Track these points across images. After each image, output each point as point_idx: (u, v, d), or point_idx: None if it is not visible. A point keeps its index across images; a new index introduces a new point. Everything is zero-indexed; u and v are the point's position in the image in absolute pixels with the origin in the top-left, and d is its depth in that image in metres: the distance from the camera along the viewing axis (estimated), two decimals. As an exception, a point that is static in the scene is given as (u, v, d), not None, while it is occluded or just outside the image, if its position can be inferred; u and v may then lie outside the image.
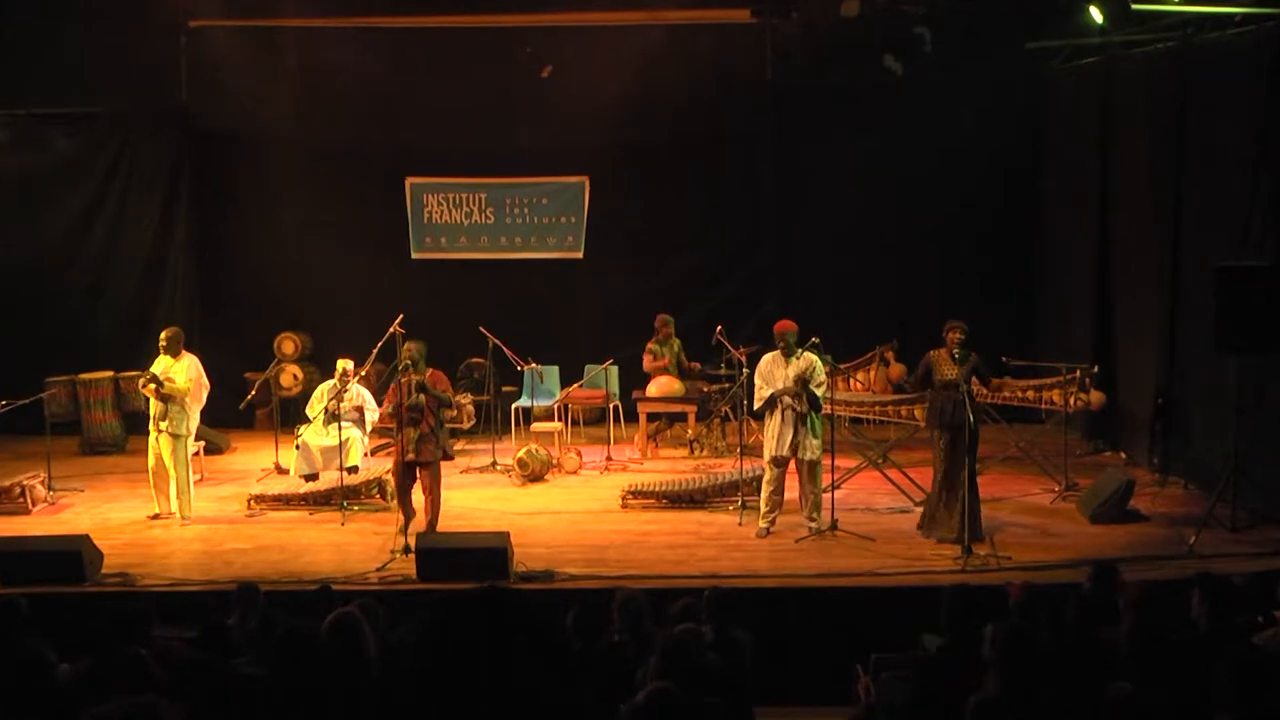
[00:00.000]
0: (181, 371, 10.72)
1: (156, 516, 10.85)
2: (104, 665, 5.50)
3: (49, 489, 11.52)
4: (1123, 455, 12.53)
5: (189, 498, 10.84)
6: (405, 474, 10.17)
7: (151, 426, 10.80)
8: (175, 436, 10.68)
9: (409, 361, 10.13)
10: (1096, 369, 11.61)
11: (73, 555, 9.01)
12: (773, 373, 9.98)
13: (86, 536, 9.40)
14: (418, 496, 10.29)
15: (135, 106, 14.56)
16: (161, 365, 10.78)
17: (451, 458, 11.81)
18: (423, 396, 10.02)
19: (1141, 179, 12.08)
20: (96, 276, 14.69)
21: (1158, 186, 11.70)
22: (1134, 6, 11.08)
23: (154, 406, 10.75)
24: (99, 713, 4.53)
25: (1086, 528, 10.14)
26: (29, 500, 11.25)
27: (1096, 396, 11.71)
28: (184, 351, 10.85)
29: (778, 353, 10.02)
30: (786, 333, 10.00)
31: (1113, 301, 12.79)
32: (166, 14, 14.08)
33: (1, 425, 11.28)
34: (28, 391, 11.95)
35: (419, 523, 10.15)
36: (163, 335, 10.85)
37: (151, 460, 10.83)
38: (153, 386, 10.64)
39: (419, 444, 10.02)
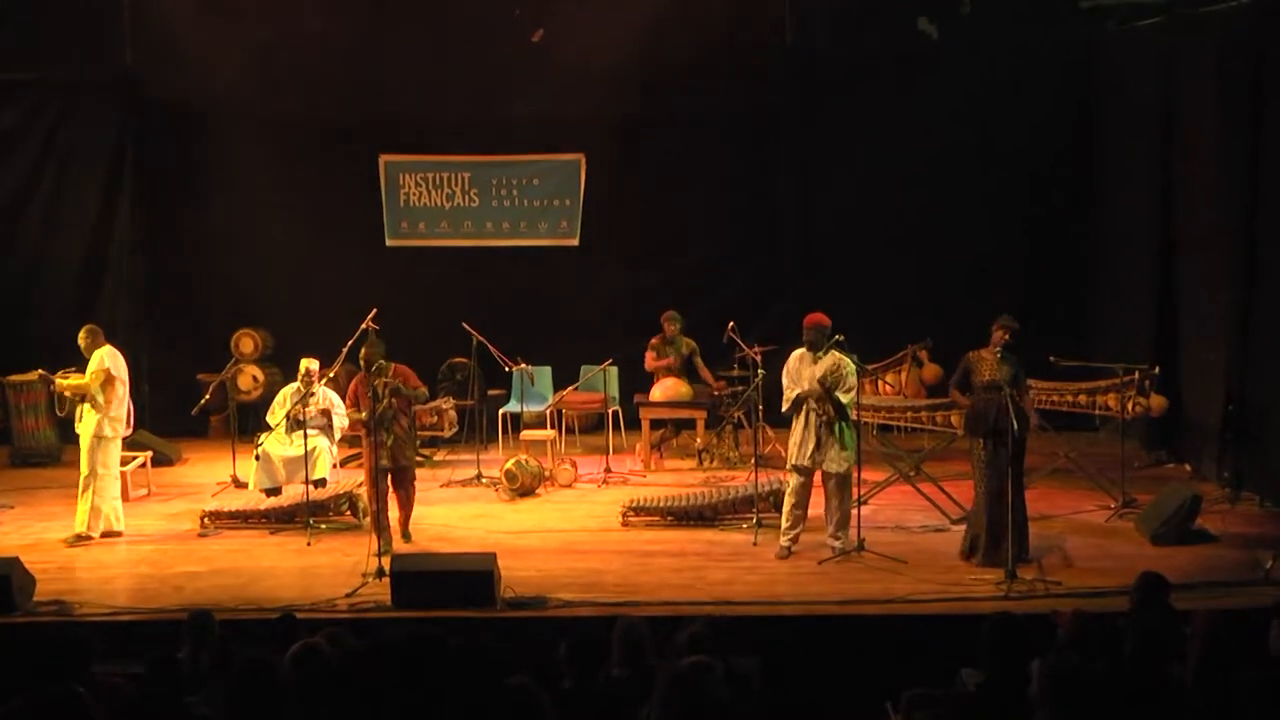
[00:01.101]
0: (90, 370, 10.74)
1: (107, 534, 10.83)
2: (35, 706, 5.46)
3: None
4: (1188, 467, 12.51)
5: (94, 512, 10.72)
6: (381, 482, 10.31)
7: (76, 429, 10.83)
8: (98, 438, 10.69)
9: (381, 362, 10.26)
10: (1158, 370, 11.58)
11: (0, 580, 9.00)
12: (800, 371, 9.97)
13: (16, 559, 9.38)
14: (392, 512, 10.48)
15: (74, 73, 14.57)
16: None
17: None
18: (394, 400, 10.16)
19: (1210, 155, 12.04)
20: (30, 264, 14.72)
21: (1229, 164, 11.66)
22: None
23: (77, 410, 10.79)
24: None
25: (1147, 549, 10.10)
26: (-47, 518, 11.29)
27: (1158, 401, 11.68)
28: (104, 344, 10.85)
29: (804, 350, 10.00)
30: (813, 327, 9.98)
31: (1176, 294, 12.76)
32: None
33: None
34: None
35: (393, 535, 10.38)
36: (80, 337, 10.85)
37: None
38: (58, 384, 10.66)
39: (394, 449, 10.24)
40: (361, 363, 10.45)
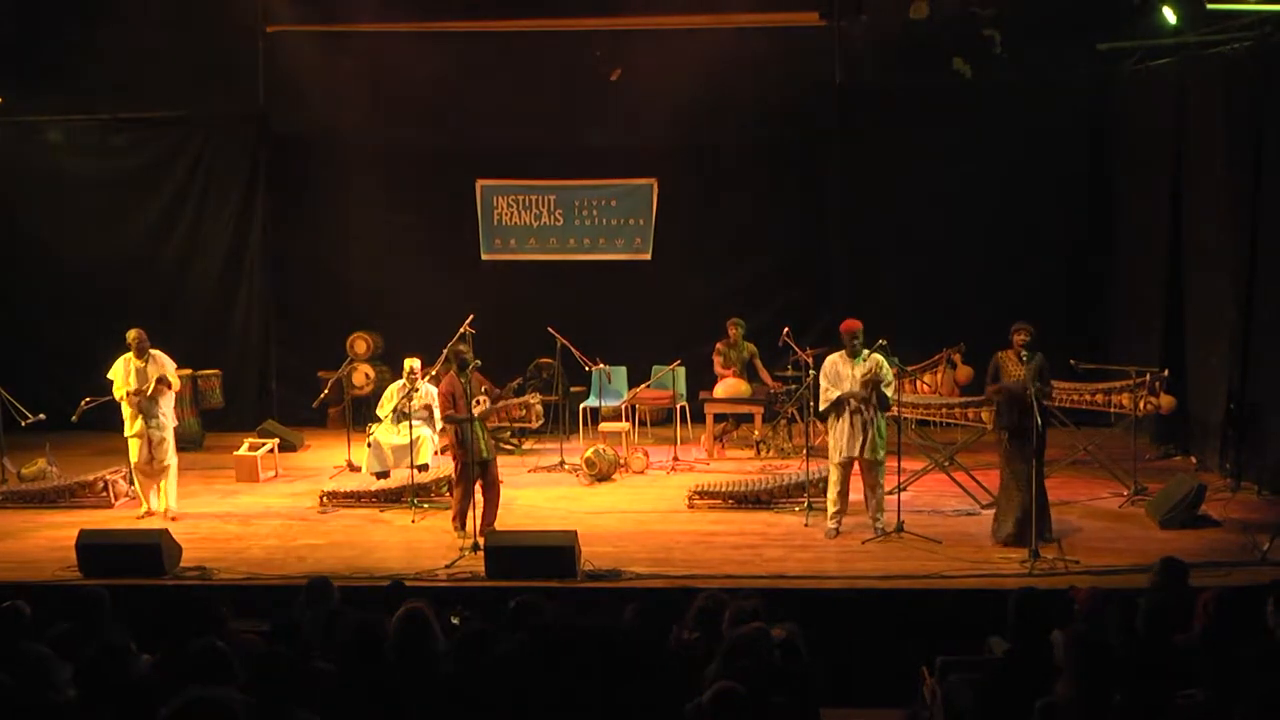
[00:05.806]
0: (171, 369, 11.03)
1: (149, 514, 11.04)
2: (183, 657, 5.57)
3: (130, 484, 11.73)
4: (1193, 460, 12.32)
5: (168, 491, 11.08)
6: (473, 475, 10.14)
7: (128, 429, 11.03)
8: (135, 438, 10.93)
9: (478, 361, 10.23)
10: (1167, 373, 11.43)
11: (152, 549, 9.19)
12: (839, 373, 9.91)
13: (165, 531, 9.61)
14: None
15: (214, 112, 14.84)
16: (122, 367, 10.96)
17: None
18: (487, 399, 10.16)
19: (1216, 181, 11.84)
20: (175, 276, 15.02)
21: (1233, 189, 11.47)
22: (1209, 6, 10.87)
23: (125, 408, 10.96)
24: (176, 704, 4.60)
25: (1156, 532, 9.98)
26: (111, 495, 11.53)
27: (1166, 400, 11.52)
28: (153, 350, 11.01)
29: (843, 353, 9.96)
30: (852, 332, 9.93)
31: (1184, 305, 12.57)
32: (244, 19, 14.35)
33: (86, 422, 11.52)
34: (111, 390, 12.14)
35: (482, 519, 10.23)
36: (130, 337, 10.96)
37: (134, 459, 11.06)
38: (161, 388, 10.91)
39: (489, 441, 10.20)
40: (456, 361, 10.27)
